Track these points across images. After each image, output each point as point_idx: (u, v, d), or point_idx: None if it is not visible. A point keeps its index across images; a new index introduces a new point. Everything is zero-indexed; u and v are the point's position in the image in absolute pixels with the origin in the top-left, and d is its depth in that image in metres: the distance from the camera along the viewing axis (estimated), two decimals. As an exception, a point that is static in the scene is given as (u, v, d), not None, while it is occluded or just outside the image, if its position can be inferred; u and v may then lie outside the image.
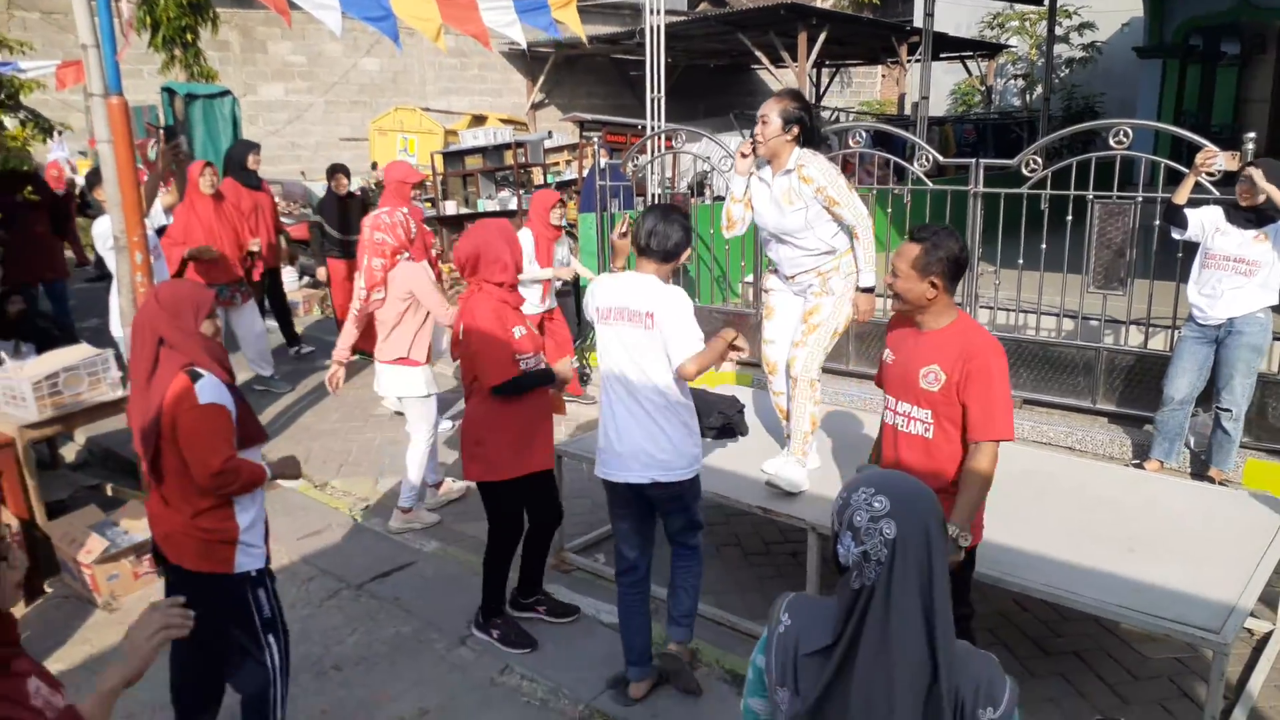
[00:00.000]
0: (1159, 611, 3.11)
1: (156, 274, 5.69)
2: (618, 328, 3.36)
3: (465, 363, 3.84)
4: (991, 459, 2.87)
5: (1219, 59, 15.88)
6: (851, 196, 4.01)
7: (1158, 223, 5.38)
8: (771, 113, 3.94)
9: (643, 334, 3.30)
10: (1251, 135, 5.38)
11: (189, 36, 11.70)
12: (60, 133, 7.33)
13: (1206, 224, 5.09)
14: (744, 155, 4.14)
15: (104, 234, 5.77)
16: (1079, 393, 5.92)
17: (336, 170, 8.24)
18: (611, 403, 3.46)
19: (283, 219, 10.96)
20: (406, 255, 4.99)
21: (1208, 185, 5.11)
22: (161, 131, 9.39)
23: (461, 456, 3.94)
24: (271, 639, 3.03)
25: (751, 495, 4.12)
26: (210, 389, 2.83)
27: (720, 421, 4.91)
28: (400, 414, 5.90)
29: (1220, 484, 5.02)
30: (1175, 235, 5.22)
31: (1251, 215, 4.90)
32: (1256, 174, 4.75)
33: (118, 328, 5.66)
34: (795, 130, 3.94)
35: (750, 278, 7.82)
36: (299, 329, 9.06)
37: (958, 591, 2.89)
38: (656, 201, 9.50)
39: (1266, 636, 3.95)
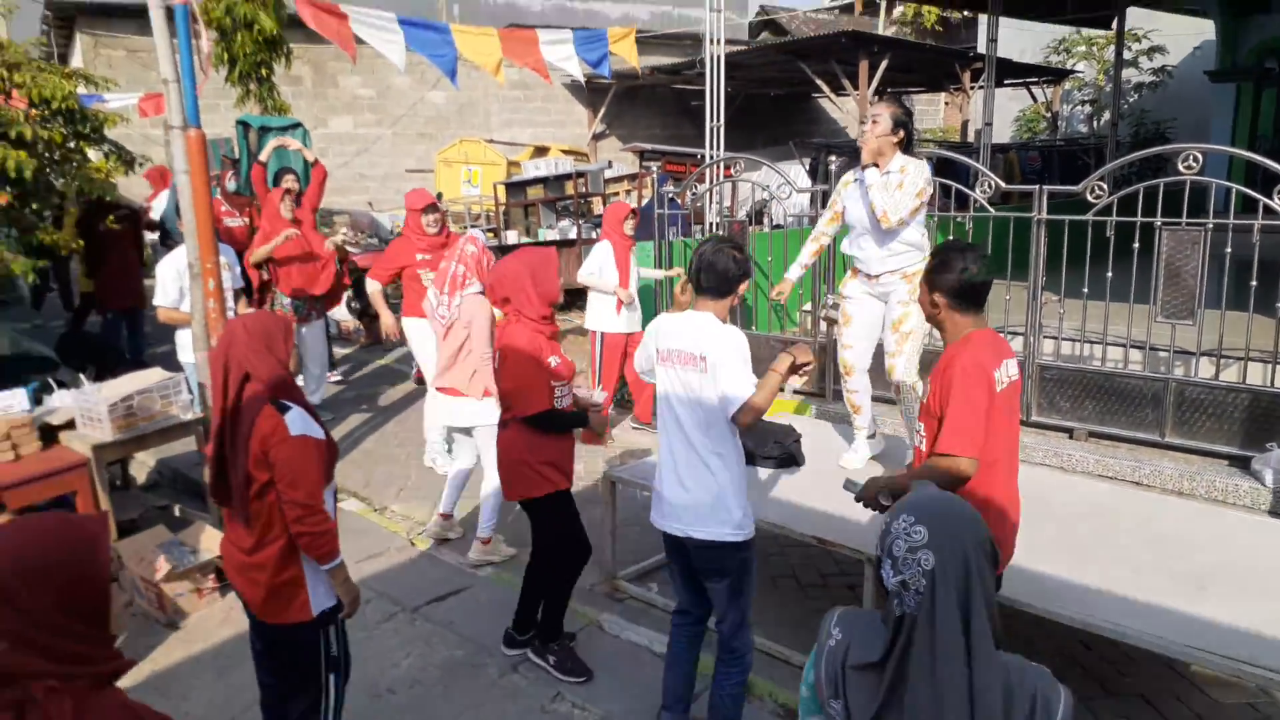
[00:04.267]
0: (1230, 652, 3.00)
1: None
2: (675, 370, 3.27)
3: (501, 389, 3.91)
4: (942, 469, 2.81)
5: (1295, 82, 15.44)
6: (910, 200, 4.29)
7: (1228, 250, 5.24)
8: (884, 114, 4.34)
9: (696, 377, 3.19)
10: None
11: (264, 71, 12.13)
12: (141, 164, 7.62)
13: None
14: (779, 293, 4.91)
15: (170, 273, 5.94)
16: (1146, 425, 5.75)
17: None
18: (665, 448, 3.36)
19: (349, 248, 11.27)
20: (479, 288, 5.04)
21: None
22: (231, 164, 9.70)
23: (502, 482, 4.00)
24: (332, 679, 3.01)
25: (807, 525, 4.07)
26: (299, 421, 2.83)
27: (778, 451, 4.87)
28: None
29: None
30: None
31: None
32: None
33: (187, 353, 5.83)
34: (901, 134, 4.34)
35: (809, 305, 7.78)
36: (354, 353, 9.23)
37: None
38: (714, 230, 9.54)
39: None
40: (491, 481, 5.01)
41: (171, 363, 6.30)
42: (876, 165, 4.38)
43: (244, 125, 10.26)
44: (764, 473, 4.70)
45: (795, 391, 7.03)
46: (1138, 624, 3.21)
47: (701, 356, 3.16)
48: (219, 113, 14.20)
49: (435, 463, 6.44)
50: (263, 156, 7.30)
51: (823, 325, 6.89)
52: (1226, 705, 3.73)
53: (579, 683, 3.92)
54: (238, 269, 6.47)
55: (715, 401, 3.16)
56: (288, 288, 7.12)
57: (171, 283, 5.91)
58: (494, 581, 4.86)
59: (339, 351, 9.85)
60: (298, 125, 10.54)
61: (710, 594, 3.36)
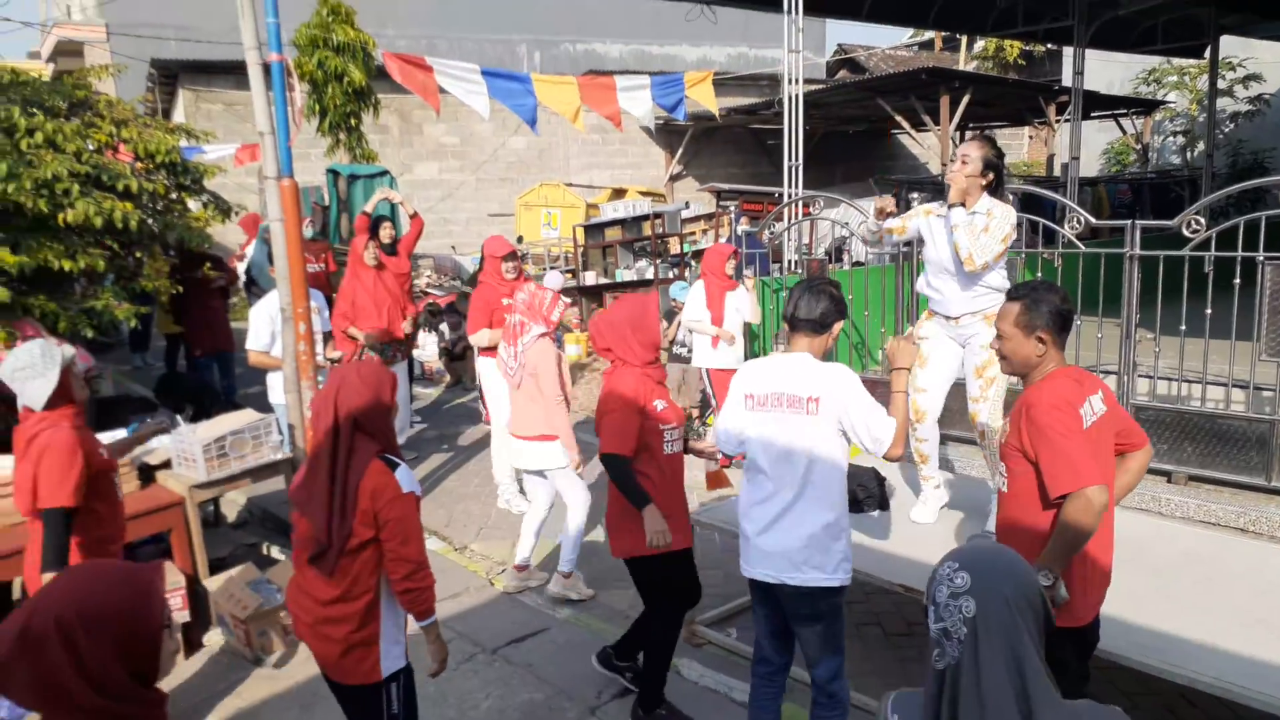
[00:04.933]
0: (1351, 714, 2.81)
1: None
2: (775, 414, 3.15)
3: (596, 427, 3.85)
4: (1076, 511, 2.65)
5: (1406, 108, 14.76)
6: (996, 245, 4.11)
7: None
8: (974, 153, 4.19)
9: (805, 420, 3.09)
10: None
11: (353, 121, 12.59)
12: (236, 213, 7.94)
13: None
14: (882, 211, 4.41)
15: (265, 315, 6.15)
16: (1251, 469, 5.48)
17: None
18: (756, 493, 3.26)
19: (433, 290, 11.53)
20: (542, 332, 5.10)
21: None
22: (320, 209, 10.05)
23: (608, 533, 3.93)
24: None
25: (893, 572, 3.97)
26: (407, 478, 2.83)
27: (862, 495, 4.77)
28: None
29: None
30: None
31: None
32: None
33: (278, 394, 6.00)
34: (990, 176, 4.18)
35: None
36: (439, 394, 9.38)
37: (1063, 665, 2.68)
38: (793, 268, 9.49)
39: None
40: (575, 519, 5.05)
41: (263, 404, 6.49)
42: (963, 205, 4.20)
43: (334, 173, 10.64)
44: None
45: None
46: (1245, 680, 3.04)
47: (812, 399, 3.08)
48: (310, 161, 14.71)
49: (510, 503, 6.51)
50: (368, 207, 7.61)
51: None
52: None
53: None
54: (326, 313, 6.67)
55: (827, 443, 3.10)
56: (371, 328, 7.28)
57: (264, 327, 6.11)
58: (573, 623, 4.84)
59: (424, 392, 10.04)
60: (385, 173, 10.89)
61: (801, 640, 3.26)
